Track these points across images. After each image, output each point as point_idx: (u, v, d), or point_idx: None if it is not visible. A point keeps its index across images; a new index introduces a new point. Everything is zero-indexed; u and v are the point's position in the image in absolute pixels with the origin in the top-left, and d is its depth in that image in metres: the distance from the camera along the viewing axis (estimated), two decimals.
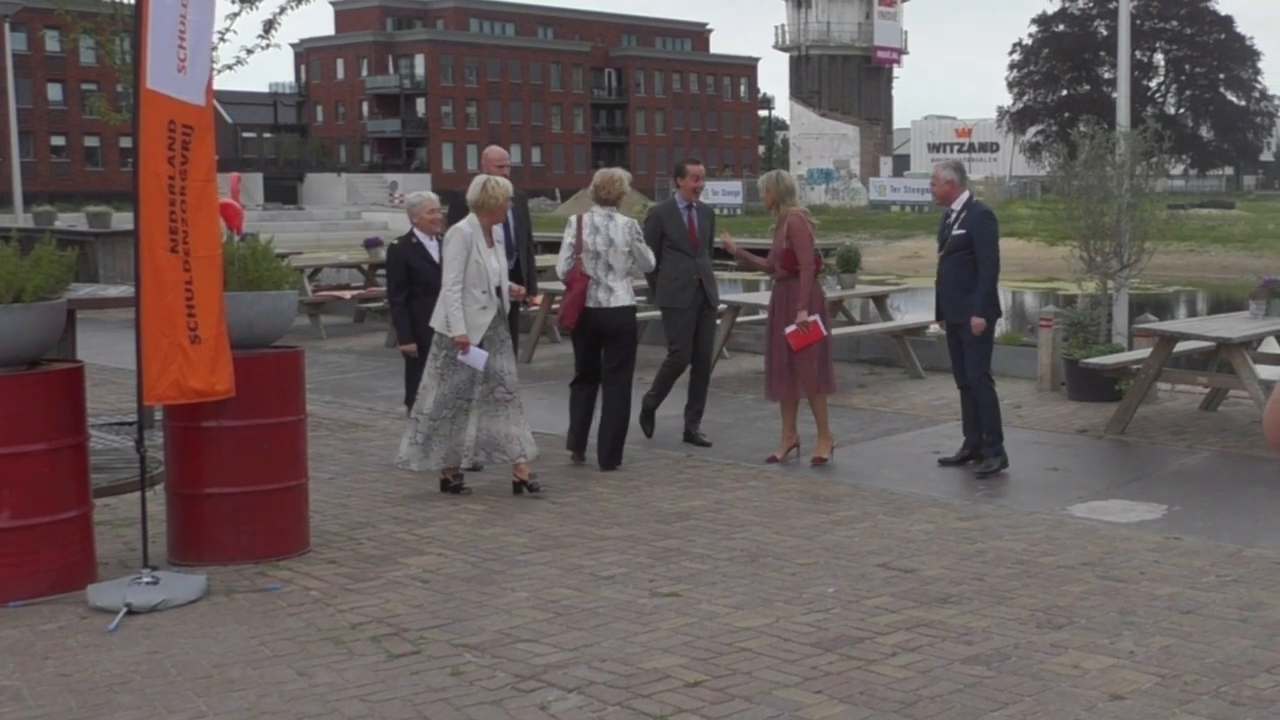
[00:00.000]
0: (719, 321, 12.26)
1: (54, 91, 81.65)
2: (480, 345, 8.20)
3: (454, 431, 8.24)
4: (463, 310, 8.17)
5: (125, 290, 8.66)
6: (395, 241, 9.28)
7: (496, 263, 8.39)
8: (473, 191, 8.42)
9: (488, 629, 5.83)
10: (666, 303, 10.26)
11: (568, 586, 6.47)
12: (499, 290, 8.40)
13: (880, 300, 16.54)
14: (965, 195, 9.23)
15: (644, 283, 11.63)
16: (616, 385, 9.26)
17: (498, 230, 8.51)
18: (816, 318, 9.36)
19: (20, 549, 6.21)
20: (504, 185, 8.46)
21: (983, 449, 9.24)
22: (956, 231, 9.14)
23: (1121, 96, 14.74)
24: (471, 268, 8.21)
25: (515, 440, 8.30)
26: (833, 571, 6.73)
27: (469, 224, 8.31)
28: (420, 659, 5.46)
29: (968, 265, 9.09)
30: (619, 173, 9.55)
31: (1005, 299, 27.34)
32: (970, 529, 7.60)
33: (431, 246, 9.45)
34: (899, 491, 8.56)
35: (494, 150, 10.39)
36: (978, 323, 9.02)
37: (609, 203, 9.33)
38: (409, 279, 9.45)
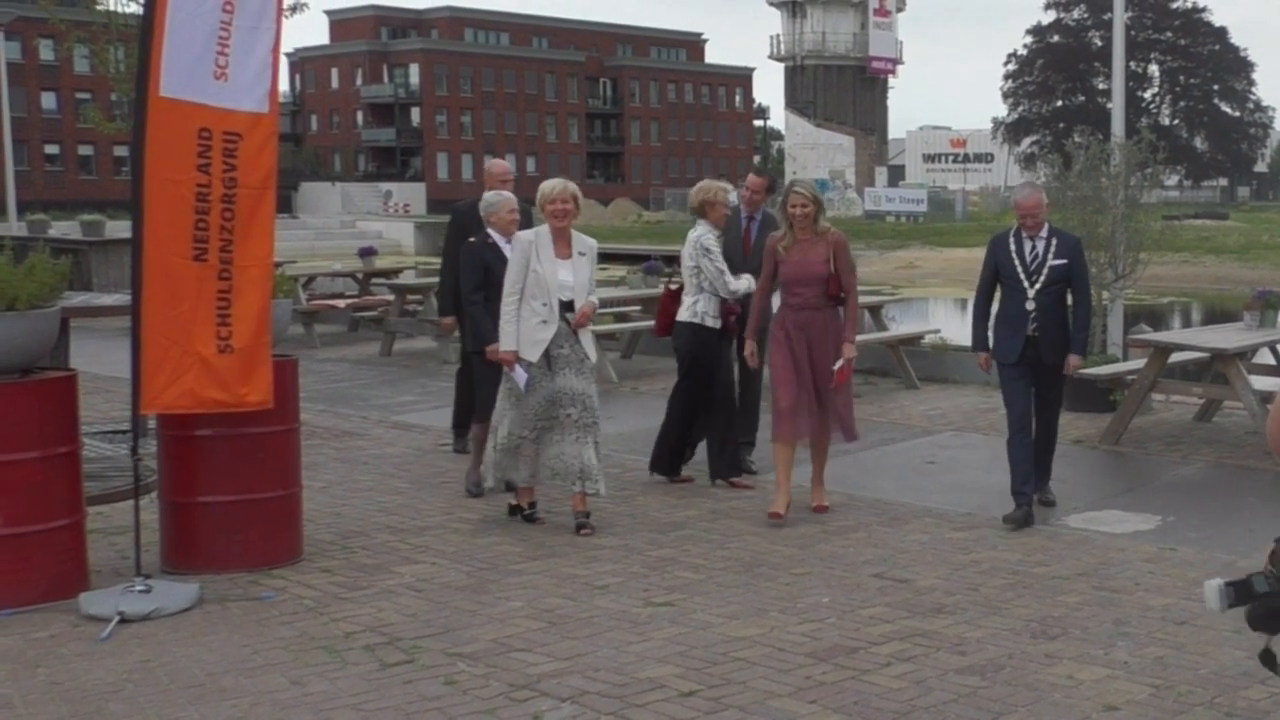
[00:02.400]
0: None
1: (48, 100, 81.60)
2: (544, 363, 7.71)
3: (537, 452, 7.82)
4: (517, 324, 7.75)
5: (120, 298, 8.64)
6: (472, 240, 8.82)
7: (569, 276, 7.79)
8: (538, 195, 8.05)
9: (482, 638, 5.83)
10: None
11: (562, 596, 6.46)
12: (569, 306, 7.80)
13: (875, 310, 16.54)
14: (1046, 222, 8.48)
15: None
16: (669, 398, 9.33)
17: (581, 241, 7.94)
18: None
19: (12, 557, 6.20)
20: (544, 191, 7.89)
21: (1042, 483, 8.54)
22: (1056, 261, 8.22)
23: (1116, 107, 14.78)
24: (530, 278, 7.74)
25: (589, 471, 7.76)
26: (827, 581, 6.73)
27: (533, 231, 7.97)
28: (414, 668, 5.46)
29: (1062, 300, 8.36)
30: (704, 183, 9.21)
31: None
32: (965, 539, 7.61)
33: (508, 248, 8.87)
34: (894, 501, 8.56)
35: (496, 164, 9.97)
36: (1077, 361, 8.40)
37: (696, 214, 9.08)
38: (486, 280, 8.87)
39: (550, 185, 7.89)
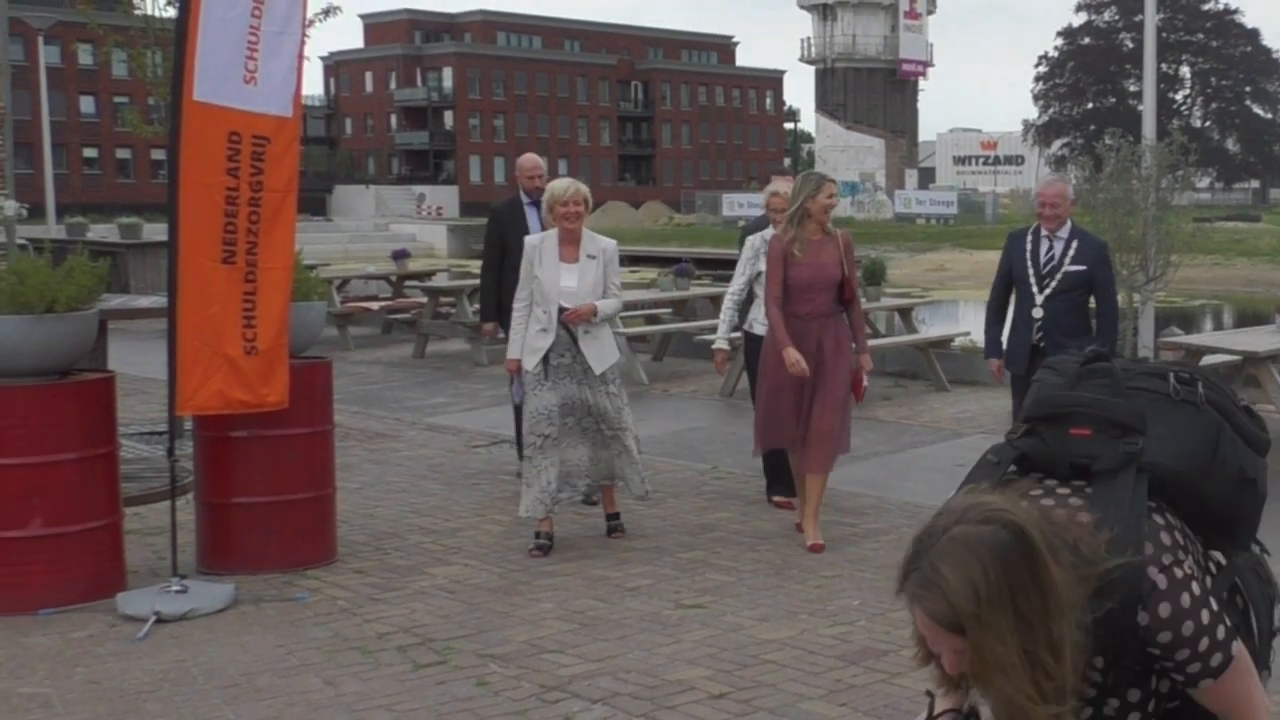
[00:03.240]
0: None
1: (86, 104, 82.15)
2: (541, 372, 7.33)
3: (542, 470, 7.32)
4: (521, 331, 7.46)
5: (157, 301, 8.70)
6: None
7: (573, 281, 7.37)
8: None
9: (513, 639, 5.84)
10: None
11: (593, 597, 6.47)
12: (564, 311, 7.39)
13: (905, 313, 16.52)
14: (1070, 222, 7.72)
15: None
16: None
17: (593, 242, 7.51)
18: None
19: (51, 557, 6.25)
20: (554, 191, 7.47)
21: None
22: (1072, 267, 7.55)
23: (1147, 109, 14.72)
24: (533, 284, 7.43)
25: (620, 472, 7.55)
26: (858, 584, 6.72)
27: (541, 235, 7.68)
28: (446, 669, 5.47)
29: (1080, 309, 7.66)
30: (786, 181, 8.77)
31: None
32: None
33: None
34: (924, 504, 8.51)
35: (525, 159, 9.72)
36: None
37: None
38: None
39: (560, 186, 7.46)
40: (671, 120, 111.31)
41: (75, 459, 6.34)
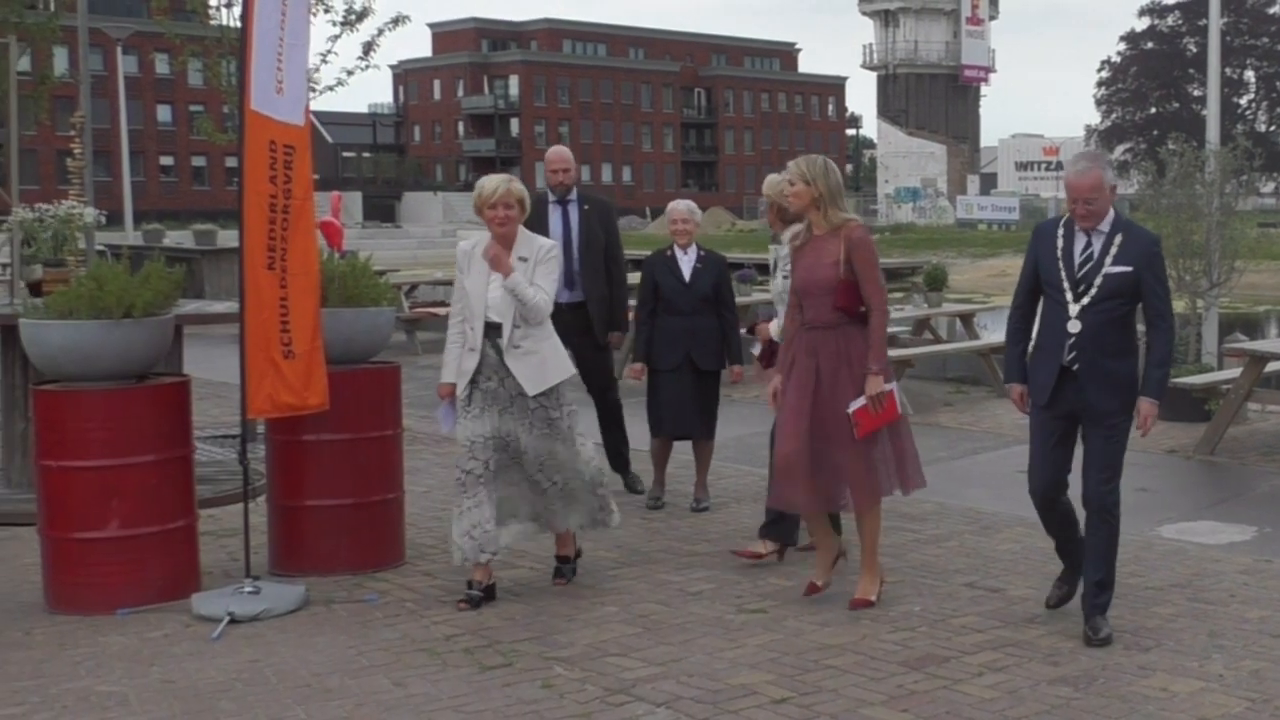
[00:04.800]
0: None
1: (163, 113, 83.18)
2: (469, 398, 6.42)
3: (467, 510, 6.37)
4: (456, 350, 6.51)
5: (230, 306, 8.78)
6: (650, 253, 8.34)
7: (500, 292, 6.35)
8: None
9: (578, 642, 5.84)
10: None
11: (656, 601, 6.46)
12: (497, 329, 6.36)
13: (967, 319, 16.40)
14: (1113, 210, 5.95)
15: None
16: None
17: (528, 243, 6.46)
18: (894, 387, 6.37)
19: (128, 558, 6.33)
20: (483, 189, 6.45)
21: (1091, 602, 6.00)
22: (1115, 268, 5.83)
23: (1211, 114, 14.54)
24: (460, 295, 6.53)
25: (585, 520, 6.72)
26: (919, 590, 6.67)
27: (473, 240, 6.57)
28: (512, 671, 5.48)
29: (1123, 322, 5.92)
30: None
31: None
32: None
33: (684, 261, 8.28)
34: (986, 510, 8.46)
35: (552, 151, 8.77)
36: (1150, 409, 5.88)
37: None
38: (654, 296, 8.35)
39: (490, 185, 6.43)
40: (734, 127, 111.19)
41: (152, 461, 6.41)
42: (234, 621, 6.04)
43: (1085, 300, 5.88)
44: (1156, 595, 6.57)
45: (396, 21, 20.35)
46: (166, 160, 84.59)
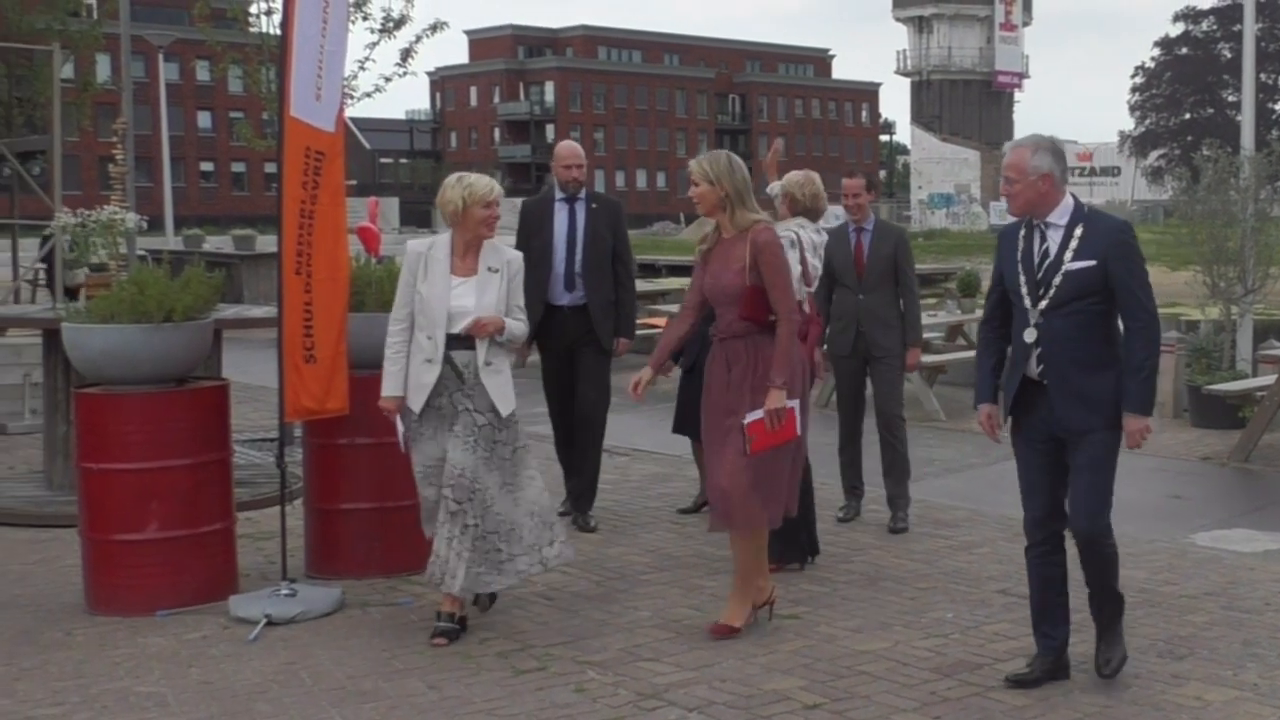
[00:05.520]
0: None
1: (203, 119, 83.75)
2: (419, 418, 5.92)
3: (430, 535, 6.06)
4: (401, 361, 5.95)
5: (268, 310, 8.82)
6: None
7: (469, 300, 5.88)
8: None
9: (611, 647, 5.83)
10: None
11: (689, 606, 6.45)
12: (467, 341, 5.87)
13: None
14: (1070, 200, 5.21)
15: None
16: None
17: (496, 253, 6.01)
18: (795, 405, 5.84)
19: (167, 560, 6.36)
20: (476, 185, 5.96)
21: (1103, 655, 5.42)
22: (1076, 264, 5.10)
23: (1246, 120, 14.42)
24: (415, 302, 5.93)
25: (448, 568, 5.87)
26: (952, 597, 6.63)
27: (428, 241, 6.12)
28: (545, 675, 5.48)
29: (1096, 326, 5.16)
30: (807, 173, 7.40)
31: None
32: None
33: None
34: (1018, 517, 8.29)
35: (562, 146, 8.25)
36: (1138, 426, 5.16)
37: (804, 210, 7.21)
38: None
39: (484, 183, 5.99)
40: (768, 132, 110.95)
41: (191, 464, 6.44)
42: (271, 624, 6.06)
43: (1044, 303, 5.15)
44: (1190, 603, 6.51)
45: (434, 28, 20.37)
46: (206, 166, 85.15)
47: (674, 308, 13.60)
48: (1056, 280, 5.12)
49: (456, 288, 5.90)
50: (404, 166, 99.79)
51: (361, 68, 19.02)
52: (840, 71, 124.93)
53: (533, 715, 5.05)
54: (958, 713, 5.08)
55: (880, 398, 8.12)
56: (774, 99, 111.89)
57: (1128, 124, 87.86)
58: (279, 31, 15.00)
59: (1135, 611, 6.36)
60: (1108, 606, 5.44)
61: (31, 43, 19.55)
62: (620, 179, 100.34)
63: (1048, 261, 5.16)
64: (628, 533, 7.96)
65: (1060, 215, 5.18)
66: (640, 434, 7.84)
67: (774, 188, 7.58)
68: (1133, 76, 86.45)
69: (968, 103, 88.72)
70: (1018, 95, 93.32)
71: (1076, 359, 5.14)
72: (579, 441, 8.14)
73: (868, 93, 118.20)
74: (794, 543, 7.02)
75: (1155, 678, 5.45)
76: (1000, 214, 72.03)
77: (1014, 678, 5.37)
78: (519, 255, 6.16)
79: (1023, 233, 5.26)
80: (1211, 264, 12.60)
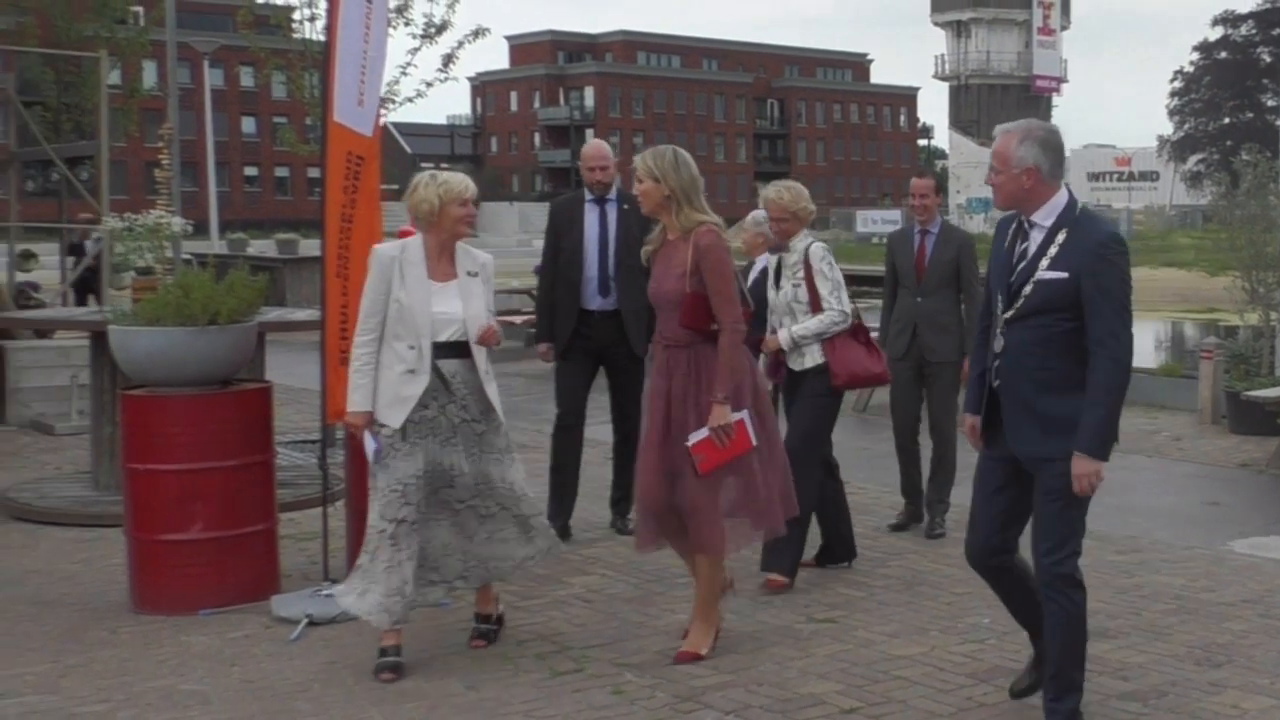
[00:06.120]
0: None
1: (248, 124, 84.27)
2: (401, 433, 5.49)
3: (395, 566, 5.48)
4: (370, 374, 5.51)
5: (311, 314, 8.87)
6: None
7: (453, 305, 5.53)
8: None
9: (648, 649, 5.83)
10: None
11: (726, 610, 6.42)
12: (454, 348, 5.55)
13: None
14: (1062, 198, 4.63)
15: None
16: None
17: (470, 256, 5.65)
18: (745, 415, 5.54)
19: (211, 560, 6.39)
20: (451, 183, 5.58)
21: (1047, 705, 4.83)
22: (1049, 274, 4.55)
23: None
24: (392, 310, 5.51)
25: (507, 561, 5.82)
26: (988, 601, 6.54)
27: (399, 244, 5.68)
28: (583, 677, 5.48)
29: (1064, 344, 4.56)
30: (796, 184, 7.15)
31: (1163, 329, 26.57)
32: (1127, 562, 7.39)
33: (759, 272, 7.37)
34: None
35: (589, 146, 7.86)
36: (1085, 467, 4.56)
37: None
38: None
39: (460, 180, 5.63)
40: (807, 137, 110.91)
41: (235, 465, 6.48)
42: (312, 624, 6.09)
43: (1010, 312, 4.64)
44: (1228, 611, 6.46)
45: (476, 34, 20.45)
46: (250, 171, 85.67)
47: None
48: (1027, 289, 4.60)
49: (437, 293, 5.53)
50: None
51: (404, 73, 19.10)
52: (878, 76, 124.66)
53: (570, 717, 5.06)
54: (993, 718, 5.05)
55: (932, 403, 8.10)
56: (812, 104, 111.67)
57: (1166, 128, 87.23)
58: (322, 37, 15.11)
59: (1171, 618, 6.32)
60: (1063, 681, 4.77)
61: (79, 49, 19.74)
62: None
63: (1023, 265, 4.64)
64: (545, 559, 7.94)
65: (1046, 215, 4.62)
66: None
67: (758, 215, 7.47)
68: (1171, 81, 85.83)
69: (1006, 107, 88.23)
70: (1056, 99, 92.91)
71: (1036, 378, 4.60)
72: (624, 453, 7.97)
73: (906, 97, 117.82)
74: (785, 553, 6.72)
75: (1191, 685, 5.40)
76: None
77: (1016, 690, 5.15)
78: (490, 257, 5.82)
79: (1013, 227, 4.76)
80: (1250, 269, 12.49)
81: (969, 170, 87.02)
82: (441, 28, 19.74)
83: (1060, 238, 4.56)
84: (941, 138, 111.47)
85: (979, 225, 75.05)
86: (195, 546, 6.38)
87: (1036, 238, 4.62)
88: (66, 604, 6.58)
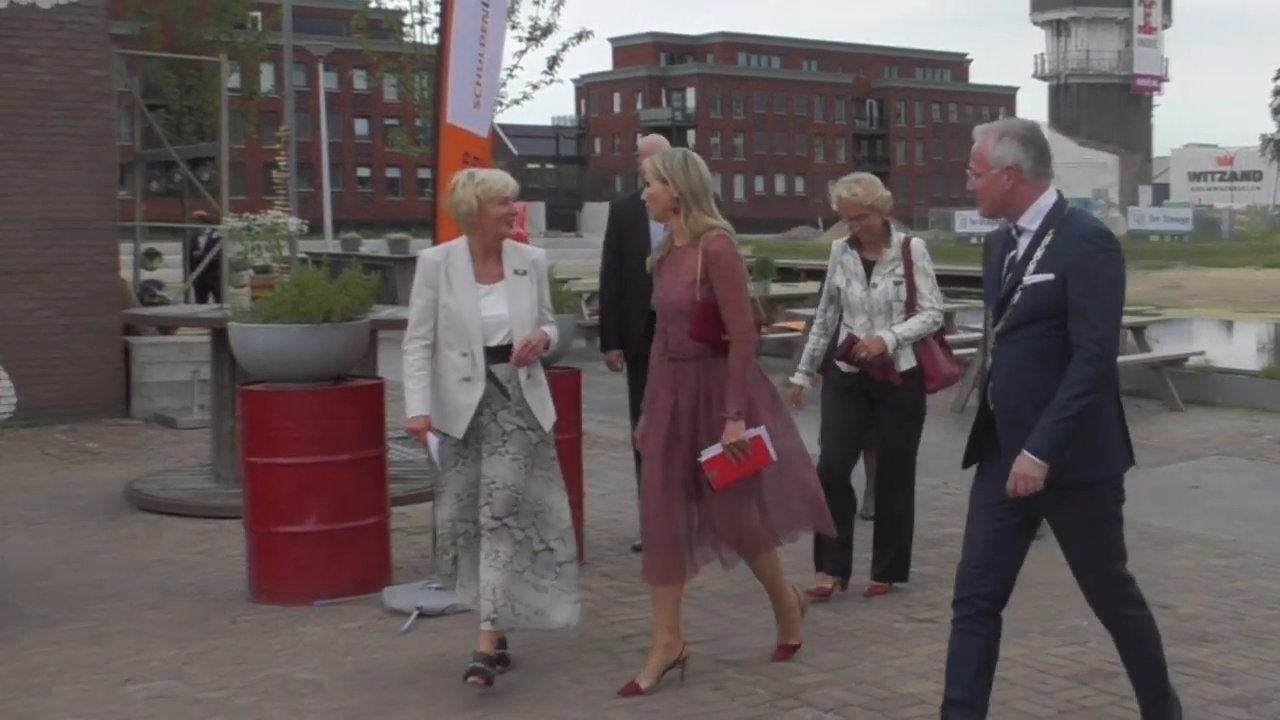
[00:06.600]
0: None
1: (360, 126, 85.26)
2: (461, 441, 5.32)
3: (472, 562, 5.41)
4: (425, 379, 5.35)
5: None
6: None
7: (501, 308, 5.30)
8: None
9: (748, 647, 5.82)
10: None
11: (826, 608, 6.41)
12: (504, 352, 5.31)
13: (1139, 331, 15.92)
14: (1049, 199, 4.28)
15: None
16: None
17: (518, 254, 5.43)
18: (761, 431, 5.23)
19: (326, 552, 6.49)
20: (490, 181, 5.33)
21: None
22: (1033, 277, 4.16)
23: None
24: (441, 316, 5.33)
25: (491, 591, 5.23)
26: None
27: (443, 248, 5.51)
28: (685, 672, 5.48)
29: (1061, 356, 4.12)
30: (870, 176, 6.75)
31: (1265, 331, 25.92)
32: (1230, 567, 7.23)
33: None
34: (1157, 526, 8.20)
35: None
36: (1030, 473, 4.14)
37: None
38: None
39: (498, 178, 5.37)
40: (905, 138, 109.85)
41: (349, 460, 6.57)
42: (423, 615, 6.16)
43: (1000, 324, 4.25)
44: None
45: (580, 37, 20.55)
46: (363, 172, 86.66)
47: (812, 311, 13.50)
48: (1015, 297, 4.20)
49: (485, 296, 5.30)
50: (550, 172, 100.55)
51: (510, 75, 19.22)
52: (978, 76, 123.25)
53: (672, 712, 5.06)
54: None
55: None
56: (911, 104, 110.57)
57: (1269, 127, 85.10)
58: (432, 41, 15.19)
59: (1274, 624, 6.19)
60: (1147, 688, 4.55)
61: (200, 54, 20.12)
62: (759, 184, 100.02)
63: (1011, 273, 4.26)
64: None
65: (1033, 218, 4.24)
66: None
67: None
68: (1275, 79, 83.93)
69: (1106, 106, 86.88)
70: (1157, 98, 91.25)
71: (1032, 396, 4.14)
72: None
73: (1005, 97, 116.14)
74: (886, 556, 6.66)
75: None
76: (1139, 219, 70.39)
77: None
78: (542, 253, 5.57)
79: (1004, 239, 4.40)
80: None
81: (1068, 170, 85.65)
82: (547, 30, 19.83)
83: (1047, 239, 4.18)
84: None
85: None
86: (310, 539, 6.47)
87: (1024, 243, 4.25)
88: (189, 593, 6.72)
